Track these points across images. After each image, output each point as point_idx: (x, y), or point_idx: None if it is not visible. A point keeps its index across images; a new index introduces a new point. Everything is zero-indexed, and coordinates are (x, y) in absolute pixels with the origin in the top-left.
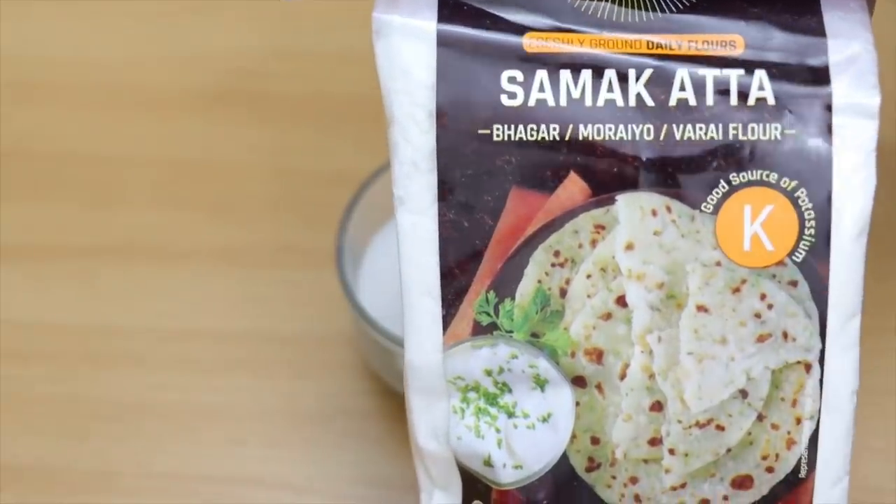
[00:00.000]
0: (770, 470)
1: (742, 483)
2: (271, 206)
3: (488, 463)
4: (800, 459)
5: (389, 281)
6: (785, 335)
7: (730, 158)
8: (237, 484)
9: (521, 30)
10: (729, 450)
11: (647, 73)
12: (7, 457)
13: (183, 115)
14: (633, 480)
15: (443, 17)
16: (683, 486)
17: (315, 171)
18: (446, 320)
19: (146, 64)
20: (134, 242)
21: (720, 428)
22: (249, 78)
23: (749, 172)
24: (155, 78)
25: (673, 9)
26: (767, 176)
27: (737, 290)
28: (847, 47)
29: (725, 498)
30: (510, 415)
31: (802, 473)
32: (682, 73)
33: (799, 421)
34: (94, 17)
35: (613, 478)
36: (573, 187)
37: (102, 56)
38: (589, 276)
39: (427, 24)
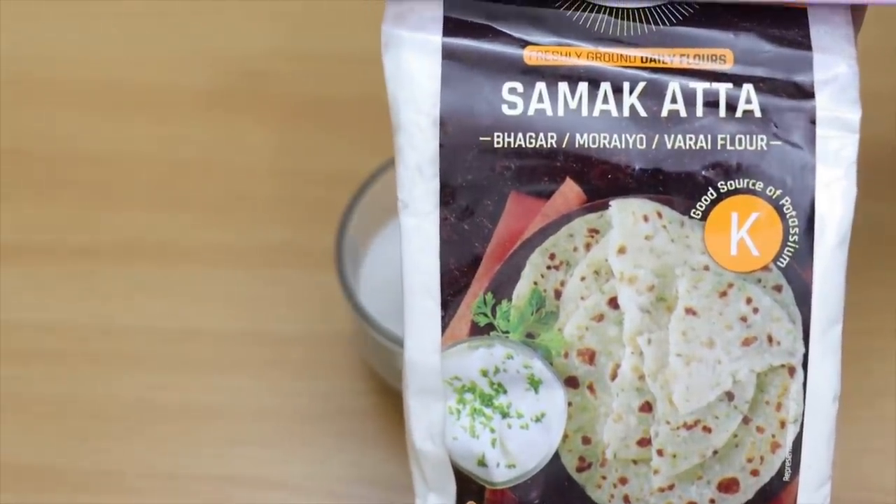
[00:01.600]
0: (755, 473)
1: (728, 486)
2: (271, 206)
3: (482, 462)
4: (784, 463)
5: (389, 281)
6: (770, 339)
7: (718, 167)
8: (237, 484)
9: (522, 43)
10: (715, 452)
11: (641, 85)
12: (7, 457)
13: (183, 115)
14: (623, 481)
15: (448, 30)
16: (671, 487)
17: (315, 171)
18: (445, 321)
19: (146, 64)
20: (134, 242)
21: (707, 430)
22: (250, 78)
23: (736, 181)
24: (155, 78)
25: (667, 22)
26: (753, 185)
27: (724, 294)
28: (832, 62)
29: (712, 501)
30: (505, 415)
31: (786, 477)
32: (674, 85)
33: (783, 424)
34: (95, 16)
35: (603, 478)
36: (569, 193)
37: (102, 56)
38: (583, 279)
39: (433, 38)
